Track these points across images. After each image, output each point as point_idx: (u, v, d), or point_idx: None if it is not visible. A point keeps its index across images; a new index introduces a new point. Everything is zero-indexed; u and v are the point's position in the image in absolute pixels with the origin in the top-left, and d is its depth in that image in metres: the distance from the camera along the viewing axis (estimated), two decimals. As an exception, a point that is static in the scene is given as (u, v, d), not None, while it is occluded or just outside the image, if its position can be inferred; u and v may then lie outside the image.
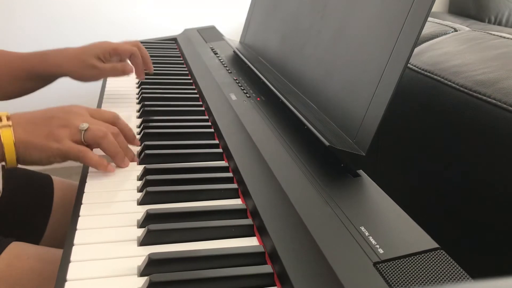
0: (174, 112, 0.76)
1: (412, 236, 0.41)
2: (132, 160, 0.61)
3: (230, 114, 0.72)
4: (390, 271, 0.37)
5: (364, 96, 0.54)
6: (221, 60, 1.00)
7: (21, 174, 0.85)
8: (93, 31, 1.92)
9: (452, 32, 0.81)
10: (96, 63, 0.79)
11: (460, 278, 0.36)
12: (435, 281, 0.36)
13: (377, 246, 0.40)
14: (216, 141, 0.67)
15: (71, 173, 1.98)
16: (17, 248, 0.62)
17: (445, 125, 0.64)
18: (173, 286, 0.39)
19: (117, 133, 0.60)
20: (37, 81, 0.81)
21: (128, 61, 0.85)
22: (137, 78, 0.87)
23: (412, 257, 0.38)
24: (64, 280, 0.40)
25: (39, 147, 0.54)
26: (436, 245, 0.40)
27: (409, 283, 0.36)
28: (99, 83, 0.91)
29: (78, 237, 0.45)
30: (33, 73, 0.79)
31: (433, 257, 0.38)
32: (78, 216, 0.49)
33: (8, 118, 0.54)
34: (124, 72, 0.81)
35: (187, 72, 0.99)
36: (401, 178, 0.77)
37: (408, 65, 0.73)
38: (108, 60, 0.81)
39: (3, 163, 0.55)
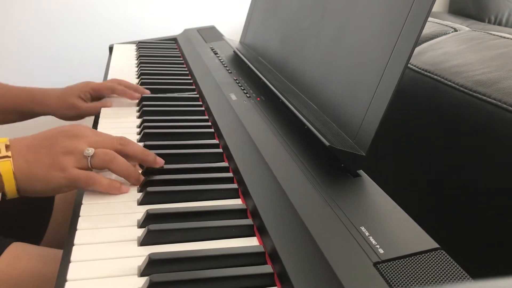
0: (174, 112, 0.76)
1: (412, 236, 0.41)
2: (155, 163, 0.57)
3: (230, 114, 0.72)
4: (390, 271, 0.37)
5: (364, 96, 0.54)
6: (221, 60, 1.00)
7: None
8: (93, 31, 1.92)
9: (452, 32, 0.81)
10: (77, 102, 0.81)
11: (460, 278, 0.36)
12: (435, 281, 0.36)
13: (377, 246, 0.40)
14: (216, 141, 0.67)
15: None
16: (17, 249, 0.62)
17: (445, 125, 0.64)
18: (173, 286, 0.39)
19: (124, 143, 0.56)
20: (20, 115, 0.84)
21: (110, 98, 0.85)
22: (132, 100, 0.83)
23: (412, 257, 0.38)
24: (64, 280, 0.40)
25: (42, 178, 0.51)
26: (436, 245, 0.40)
27: (409, 283, 0.36)
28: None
29: (78, 237, 0.45)
30: (18, 109, 0.82)
31: (433, 257, 0.38)
32: (78, 216, 0.49)
33: (7, 147, 0.51)
34: (103, 107, 0.82)
35: (187, 72, 0.99)
36: (401, 178, 0.77)
37: (408, 65, 0.73)
38: (89, 99, 0.83)
39: (3, 194, 0.52)
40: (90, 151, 0.52)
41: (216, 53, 1.06)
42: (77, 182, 0.52)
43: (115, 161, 0.53)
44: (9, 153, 0.50)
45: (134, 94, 0.82)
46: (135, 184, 0.55)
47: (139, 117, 0.76)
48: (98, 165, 0.53)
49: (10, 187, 0.50)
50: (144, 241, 0.45)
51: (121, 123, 0.75)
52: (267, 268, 0.42)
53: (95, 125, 0.75)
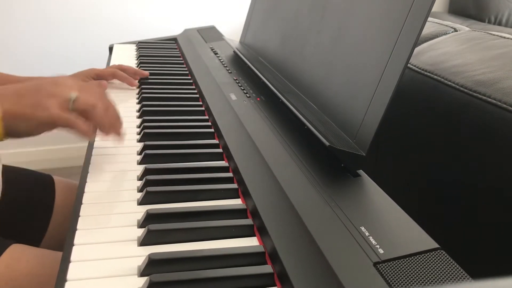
0: (174, 112, 0.76)
1: (412, 236, 0.41)
2: (119, 135, 0.59)
3: (230, 114, 0.72)
4: (390, 271, 0.37)
5: (364, 96, 0.54)
6: (221, 60, 1.00)
7: (22, 174, 0.85)
8: (93, 31, 1.92)
9: (452, 32, 0.81)
10: None
11: (460, 278, 0.36)
12: (435, 281, 0.36)
13: (377, 246, 0.40)
14: (216, 141, 0.67)
15: (71, 173, 1.98)
16: (17, 250, 0.62)
17: (445, 125, 0.64)
18: (173, 286, 0.39)
19: (107, 107, 0.58)
20: None
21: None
22: (132, 87, 0.90)
23: (412, 257, 0.38)
24: (64, 280, 0.40)
25: (26, 116, 0.52)
26: (436, 245, 0.40)
27: (409, 283, 0.36)
28: (99, 83, 0.91)
29: (78, 237, 0.45)
30: None
31: (433, 257, 0.38)
32: (78, 216, 0.49)
33: None
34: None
35: (187, 72, 0.99)
36: (401, 178, 0.77)
37: (408, 65, 0.73)
38: None
39: None
40: (73, 95, 0.55)
41: (216, 53, 1.06)
42: (57, 122, 0.54)
43: (96, 109, 0.56)
44: None
45: (134, 81, 0.89)
46: (115, 134, 0.58)
47: (139, 117, 0.76)
48: (79, 109, 0.55)
49: None
50: (144, 241, 0.45)
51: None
52: (267, 268, 0.42)
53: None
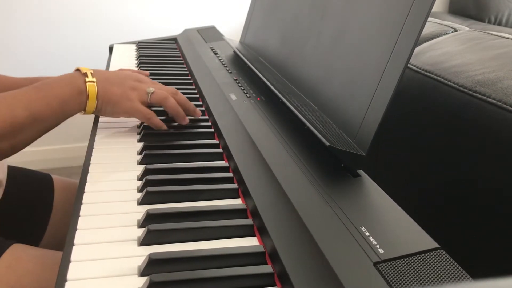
0: (174, 112, 0.76)
1: (412, 236, 0.41)
2: (194, 112, 0.72)
3: (230, 114, 0.72)
4: (390, 271, 0.37)
5: (364, 96, 0.54)
6: (221, 60, 1.00)
7: (22, 174, 0.85)
8: (93, 31, 1.92)
9: (452, 32, 0.81)
10: None
11: (460, 278, 0.36)
12: (436, 281, 0.36)
13: (377, 246, 0.40)
14: (216, 141, 0.67)
15: (71, 172, 1.98)
16: (17, 251, 0.62)
17: (445, 125, 0.64)
18: (173, 286, 0.39)
19: (175, 93, 0.71)
20: None
21: None
22: None
23: (412, 257, 0.38)
24: (64, 280, 0.40)
25: (113, 102, 0.65)
26: (436, 245, 0.40)
27: (409, 283, 0.36)
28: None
29: (78, 237, 0.45)
30: None
31: (433, 257, 0.38)
32: (78, 216, 0.49)
33: (92, 75, 0.65)
34: None
35: (187, 72, 0.99)
36: (401, 178, 0.77)
37: (408, 65, 0.73)
38: None
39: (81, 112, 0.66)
40: (151, 89, 0.68)
41: (216, 53, 1.06)
42: (138, 113, 0.67)
43: (169, 100, 0.68)
44: (94, 79, 0.65)
45: None
46: (181, 122, 0.70)
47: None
48: (155, 101, 0.68)
49: (91, 105, 0.65)
50: (144, 241, 0.45)
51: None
52: (267, 268, 0.42)
53: (96, 117, 0.75)
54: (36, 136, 0.61)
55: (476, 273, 0.37)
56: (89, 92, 0.63)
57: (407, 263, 0.38)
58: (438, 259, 0.38)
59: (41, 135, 0.62)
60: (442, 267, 0.37)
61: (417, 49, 0.76)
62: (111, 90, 0.65)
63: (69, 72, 0.66)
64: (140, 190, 0.54)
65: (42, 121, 0.60)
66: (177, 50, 1.18)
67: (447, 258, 0.38)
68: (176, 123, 0.72)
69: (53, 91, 0.61)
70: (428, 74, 0.68)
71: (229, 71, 0.92)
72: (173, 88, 0.73)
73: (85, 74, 0.65)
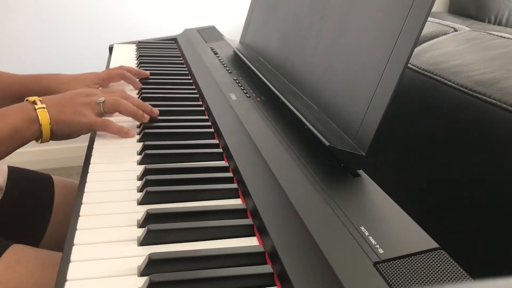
0: (174, 112, 0.76)
1: (412, 236, 0.41)
2: (152, 113, 0.71)
3: (230, 114, 0.72)
4: (390, 271, 0.37)
5: (364, 96, 0.54)
6: (221, 60, 1.00)
7: (22, 174, 0.85)
8: (93, 31, 1.92)
9: (452, 32, 0.81)
10: None
11: (460, 278, 0.36)
12: (435, 281, 0.36)
13: (377, 246, 0.40)
14: (216, 141, 0.67)
15: (71, 173, 1.98)
16: (17, 251, 0.62)
17: (445, 125, 0.64)
18: (173, 286, 0.39)
19: (127, 97, 0.70)
20: None
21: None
22: (136, 89, 0.90)
23: (412, 257, 0.38)
24: (64, 280, 0.40)
25: (69, 123, 0.64)
26: (436, 245, 0.40)
27: (409, 283, 0.36)
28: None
29: (78, 237, 0.45)
30: (25, 94, 0.82)
31: (433, 257, 0.38)
32: (78, 216, 0.49)
33: (41, 101, 0.63)
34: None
35: (187, 72, 0.99)
36: (401, 178, 0.77)
37: (408, 65, 0.73)
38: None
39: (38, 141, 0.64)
40: (101, 99, 0.67)
41: (216, 53, 1.06)
42: (95, 125, 0.66)
43: (122, 104, 0.68)
44: (44, 105, 0.63)
45: (138, 84, 0.90)
46: (142, 121, 0.70)
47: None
48: (109, 109, 0.68)
49: (46, 132, 0.63)
50: (144, 241, 0.45)
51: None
52: (267, 268, 0.42)
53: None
54: None
55: (476, 273, 0.37)
56: (41, 119, 0.62)
57: (407, 263, 0.38)
58: (438, 259, 0.38)
59: None
60: (442, 267, 0.37)
61: (417, 49, 0.76)
62: (63, 111, 0.64)
63: (18, 104, 0.65)
64: (140, 190, 0.54)
65: None
66: (177, 50, 1.18)
67: (447, 258, 0.38)
68: (175, 124, 0.72)
69: (5, 120, 0.60)
70: (428, 74, 0.68)
71: (229, 71, 0.92)
72: (123, 92, 0.73)
73: (34, 102, 0.63)
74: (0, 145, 0.59)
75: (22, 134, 0.61)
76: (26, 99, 0.64)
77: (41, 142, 0.64)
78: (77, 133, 0.66)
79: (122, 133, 0.67)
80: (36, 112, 0.62)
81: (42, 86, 0.82)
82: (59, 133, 0.64)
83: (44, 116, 0.62)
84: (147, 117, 0.70)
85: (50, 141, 0.65)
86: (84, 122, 0.65)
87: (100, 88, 0.75)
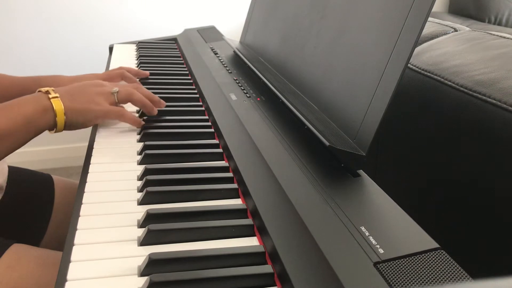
0: (174, 112, 0.76)
1: (412, 236, 0.41)
2: (160, 104, 0.74)
3: (230, 114, 0.72)
4: (390, 271, 0.37)
5: (364, 96, 0.54)
6: (221, 60, 1.00)
7: (22, 174, 0.85)
8: (93, 31, 1.92)
9: (452, 32, 0.81)
10: None
11: (460, 278, 0.36)
12: (436, 281, 0.36)
13: (377, 246, 0.40)
14: (216, 141, 0.67)
15: (71, 173, 1.98)
16: (18, 251, 0.62)
17: (445, 125, 0.64)
18: (173, 286, 0.39)
19: (138, 87, 0.72)
20: None
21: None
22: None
23: (413, 257, 0.38)
24: (64, 280, 0.40)
25: (83, 111, 0.65)
26: (436, 245, 0.40)
27: (410, 283, 0.36)
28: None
29: (79, 237, 0.45)
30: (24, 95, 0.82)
31: (433, 257, 0.38)
32: (79, 216, 0.49)
33: (54, 91, 0.64)
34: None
35: (187, 72, 0.99)
36: (401, 178, 0.77)
37: (408, 65, 0.73)
38: None
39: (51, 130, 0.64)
40: (116, 89, 0.69)
41: (216, 53, 1.06)
42: (110, 113, 0.67)
43: (135, 94, 0.70)
44: (57, 94, 0.63)
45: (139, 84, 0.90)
46: (151, 113, 0.72)
47: (139, 117, 0.76)
48: (123, 99, 0.69)
49: (60, 121, 0.63)
50: (144, 241, 0.45)
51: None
52: (267, 268, 0.42)
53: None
54: (3, 154, 0.60)
55: (476, 273, 0.37)
56: (56, 108, 0.62)
57: (407, 263, 0.38)
58: (438, 259, 0.38)
59: (8, 152, 0.61)
60: (442, 267, 0.37)
61: (417, 49, 0.76)
62: (77, 100, 0.64)
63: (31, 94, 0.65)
64: (140, 190, 0.54)
65: (7, 139, 0.59)
66: (177, 50, 1.18)
67: (447, 258, 0.38)
68: (175, 124, 0.72)
69: (18, 109, 0.60)
70: (428, 74, 0.68)
71: (229, 71, 0.92)
72: (134, 83, 0.74)
73: (47, 92, 0.63)
74: (14, 135, 0.59)
75: (35, 124, 0.61)
76: (38, 90, 0.64)
77: (55, 132, 0.64)
78: (91, 122, 0.67)
79: (136, 123, 0.69)
80: (51, 101, 0.62)
81: (42, 86, 0.82)
82: (73, 121, 0.64)
83: (58, 105, 0.62)
84: (155, 111, 0.72)
85: (64, 130, 0.65)
86: (99, 110, 0.66)
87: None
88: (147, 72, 0.93)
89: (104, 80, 0.86)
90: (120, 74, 0.88)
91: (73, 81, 0.83)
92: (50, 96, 0.63)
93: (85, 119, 0.66)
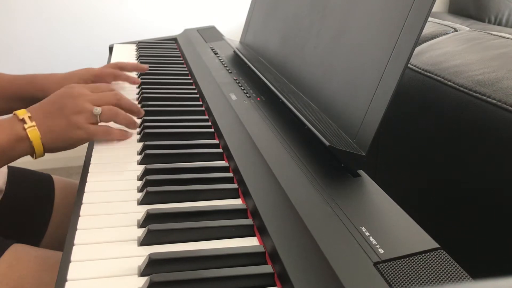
0: (174, 112, 0.76)
1: (412, 236, 0.41)
2: (139, 114, 0.71)
3: (230, 114, 0.72)
4: (390, 271, 0.37)
5: (364, 96, 0.54)
6: (221, 60, 1.00)
7: (22, 174, 0.85)
8: (93, 31, 1.92)
9: (452, 32, 0.81)
10: None
11: (460, 278, 0.36)
12: (436, 281, 0.36)
13: (377, 246, 0.40)
14: (216, 141, 0.67)
15: (71, 173, 1.98)
16: (18, 251, 0.62)
17: (445, 125, 0.64)
18: (173, 286, 0.39)
19: (119, 98, 0.67)
20: (22, 102, 0.83)
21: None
22: (134, 84, 0.90)
23: (413, 257, 0.38)
24: (64, 280, 0.40)
25: (63, 137, 0.61)
26: (436, 245, 0.40)
27: (410, 283, 0.36)
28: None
29: (78, 237, 0.45)
30: (19, 95, 0.82)
31: (433, 257, 0.38)
32: (78, 216, 0.49)
33: (30, 118, 0.60)
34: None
35: (187, 72, 0.99)
36: (401, 178, 0.77)
37: (408, 65, 0.73)
38: None
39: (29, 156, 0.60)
40: (98, 110, 0.63)
41: (216, 53, 1.06)
42: (95, 136, 0.64)
43: (119, 114, 0.66)
44: (33, 123, 0.59)
45: (136, 79, 0.89)
46: (134, 128, 0.69)
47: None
48: (106, 120, 0.65)
49: (38, 150, 0.60)
50: (144, 241, 0.45)
51: None
52: (267, 268, 0.42)
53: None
54: None
55: (476, 273, 0.37)
56: (32, 137, 0.59)
57: (407, 263, 0.38)
58: (438, 259, 0.38)
59: None
60: (442, 267, 0.37)
61: (417, 49, 0.76)
62: (55, 125, 0.60)
63: (7, 118, 0.61)
64: (140, 190, 0.54)
65: None
66: (177, 50, 1.18)
67: (447, 258, 0.38)
68: (175, 124, 0.72)
69: None
70: (428, 74, 0.68)
71: (229, 71, 0.92)
72: (115, 92, 0.68)
73: (23, 120, 0.59)
74: None
75: (9, 153, 0.58)
76: (14, 113, 0.61)
77: (35, 158, 0.61)
78: (74, 145, 0.63)
79: (124, 137, 0.67)
80: (26, 132, 0.59)
81: (36, 87, 0.81)
82: (54, 147, 0.61)
83: (34, 134, 0.59)
84: (137, 126, 0.69)
85: (48, 153, 0.62)
86: (82, 133, 0.62)
87: (89, 84, 0.72)
88: (146, 66, 0.92)
89: (96, 76, 0.85)
90: (113, 74, 0.87)
91: (65, 78, 0.82)
92: (26, 126, 0.59)
93: (66, 144, 0.62)
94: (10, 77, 0.83)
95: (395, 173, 0.78)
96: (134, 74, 0.96)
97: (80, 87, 0.66)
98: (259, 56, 0.93)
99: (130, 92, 0.89)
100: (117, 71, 0.87)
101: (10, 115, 0.62)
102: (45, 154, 0.62)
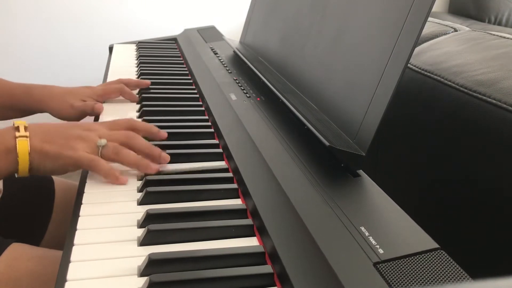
0: (174, 112, 0.76)
1: (412, 236, 0.41)
2: (160, 158, 0.58)
3: (230, 114, 0.72)
4: (390, 271, 0.37)
5: (364, 96, 0.54)
6: (221, 60, 1.00)
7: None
8: (93, 31, 1.92)
9: (452, 32, 0.81)
10: (75, 103, 0.77)
11: (460, 278, 0.36)
12: (435, 281, 0.36)
13: (377, 246, 0.40)
14: (216, 141, 0.67)
15: (71, 173, 1.98)
16: (17, 250, 0.62)
17: (445, 125, 0.64)
18: (173, 286, 0.39)
19: (133, 137, 0.58)
20: (18, 112, 0.82)
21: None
22: (133, 102, 0.84)
23: (412, 257, 0.38)
24: (64, 280, 0.40)
25: (52, 155, 0.54)
26: (436, 245, 0.40)
27: (409, 283, 0.36)
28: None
29: (78, 237, 0.45)
30: (16, 105, 0.80)
31: (433, 257, 0.38)
32: (78, 216, 0.49)
33: (25, 129, 0.54)
34: (93, 110, 0.78)
35: (187, 72, 0.99)
36: (401, 178, 0.77)
37: (408, 65, 0.73)
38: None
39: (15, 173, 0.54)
40: (103, 142, 0.56)
41: (216, 53, 1.06)
42: (80, 162, 0.54)
43: (120, 154, 0.56)
44: (27, 133, 0.54)
45: (136, 97, 0.84)
46: (146, 171, 0.56)
47: (139, 117, 0.76)
48: (108, 156, 0.56)
49: (23, 166, 0.53)
50: (144, 241, 0.45)
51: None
52: (267, 268, 0.42)
53: (96, 116, 0.75)
54: None
55: (476, 273, 0.37)
56: (19, 150, 0.52)
57: (407, 263, 0.38)
58: (438, 259, 0.38)
59: None
60: (442, 267, 0.37)
61: (417, 49, 0.76)
62: (49, 141, 0.54)
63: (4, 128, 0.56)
64: (140, 190, 0.54)
65: None
66: (177, 50, 1.18)
67: (447, 258, 0.38)
68: (175, 124, 0.72)
69: None
70: (428, 74, 0.68)
71: (229, 71, 0.92)
72: (126, 132, 0.59)
73: (17, 128, 0.54)
74: None
75: None
76: (13, 122, 0.55)
77: (18, 176, 0.55)
78: (61, 170, 0.56)
79: (111, 177, 0.55)
80: (15, 141, 0.53)
81: (34, 98, 0.78)
82: (40, 167, 0.54)
83: (23, 146, 0.53)
84: (153, 167, 0.57)
85: (31, 174, 0.55)
86: (69, 156, 0.54)
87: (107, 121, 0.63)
88: (148, 82, 0.87)
89: (100, 96, 0.80)
90: (119, 90, 0.82)
91: (68, 93, 0.79)
92: (18, 134, 0.53)
93: (54, 165, 0.55)
94: (6, 85, 0.81)
95: (395, 173, 0.78)
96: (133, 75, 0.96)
97: (97, 124, 0.60)
98: (259, 56, 0.93)
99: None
100: (123, 87, 0.82)
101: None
102: (28, 174, 0.55)
